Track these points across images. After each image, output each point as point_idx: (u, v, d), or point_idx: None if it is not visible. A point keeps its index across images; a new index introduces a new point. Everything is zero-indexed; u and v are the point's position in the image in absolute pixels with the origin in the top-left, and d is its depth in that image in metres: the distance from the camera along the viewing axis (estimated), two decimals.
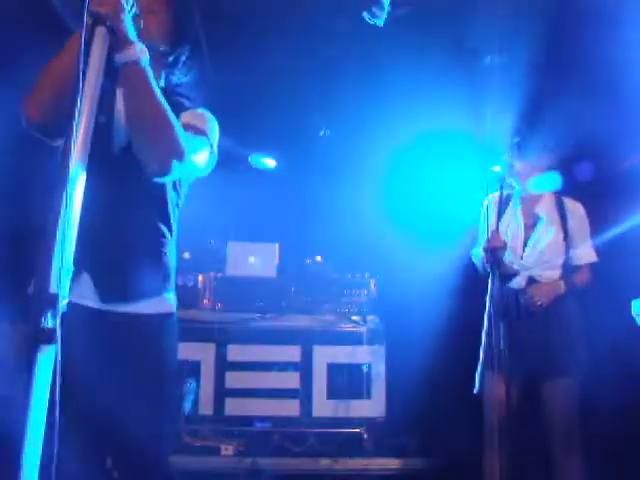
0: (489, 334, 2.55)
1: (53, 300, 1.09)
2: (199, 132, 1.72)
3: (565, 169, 2.98)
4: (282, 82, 4.26)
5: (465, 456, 3.17)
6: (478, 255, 2.92)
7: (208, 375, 3.97)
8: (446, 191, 5.18)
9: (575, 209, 2.87)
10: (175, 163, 1.53)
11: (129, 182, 1.61)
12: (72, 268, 1.18)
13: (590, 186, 3.39)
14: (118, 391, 1.53)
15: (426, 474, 3.64)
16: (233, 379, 4.00)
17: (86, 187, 1.22)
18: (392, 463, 3.71)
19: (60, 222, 1.12)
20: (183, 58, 1.79)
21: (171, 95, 1.73)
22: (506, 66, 3.73)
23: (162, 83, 1.79)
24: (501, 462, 2.67)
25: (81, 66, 1.17)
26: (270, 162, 5.20)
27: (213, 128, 1.79)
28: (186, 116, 1.75)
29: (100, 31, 1.28)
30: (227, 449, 3.69)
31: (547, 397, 2.70)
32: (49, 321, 1.08)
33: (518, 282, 2.82)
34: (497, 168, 2.79)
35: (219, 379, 3.99)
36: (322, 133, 4.86)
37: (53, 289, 1.10)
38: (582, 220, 2.86)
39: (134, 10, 1.43)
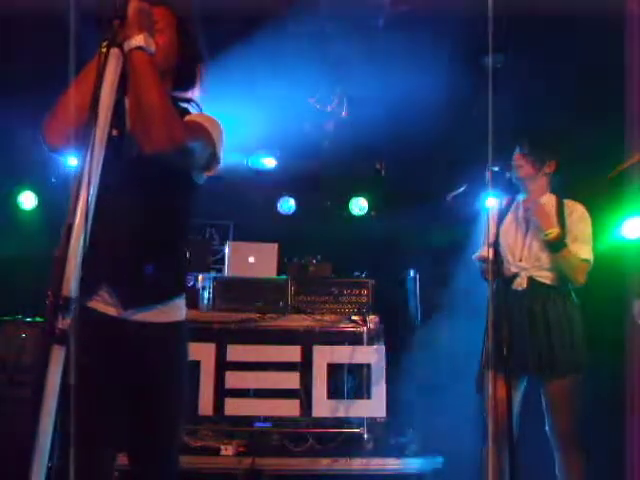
0: (489, 334, 2.55)
1: (66, 303, 1.16)
2: (201, 127, 1.75)
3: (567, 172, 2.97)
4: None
5: (465, 456, 3.17)
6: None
7: (208, 375, 3.96)
8: (447, 192, 5.19)
9: (575, 209, 2.85)
10: (171, 146, 1.56)
11: (142, 192, 1.67)
12: (91, 277, 1.26)
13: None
14: (137, 389, 1.66)
15: (426, 474, 3.64)
16: (233, 379, 4.00)
17: (101, 198, 1.29)
18: (392, 463, 3.71)
19: (73, 230, 1.20)
20: (188, 75, 1.86)
21: (177, 105, 1.78)
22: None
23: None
24: (502, 462, 2.68)
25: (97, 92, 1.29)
26: (270, 162, 5.19)
27: (218, 131, 1.81)
28: (192, 115, 1.81)
29: (114, 51, 1.38)
30: (227, 449, 3.69)
31: (549, 397, 2.70)
32: (62, 322, 1.15)
33: (519, 283, 2.82)
34: (500, 170, 2.76)
35: (219, 379, 3.98)
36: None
37: (66, 292, 1.17)
38: (581, 219, 2.82)
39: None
